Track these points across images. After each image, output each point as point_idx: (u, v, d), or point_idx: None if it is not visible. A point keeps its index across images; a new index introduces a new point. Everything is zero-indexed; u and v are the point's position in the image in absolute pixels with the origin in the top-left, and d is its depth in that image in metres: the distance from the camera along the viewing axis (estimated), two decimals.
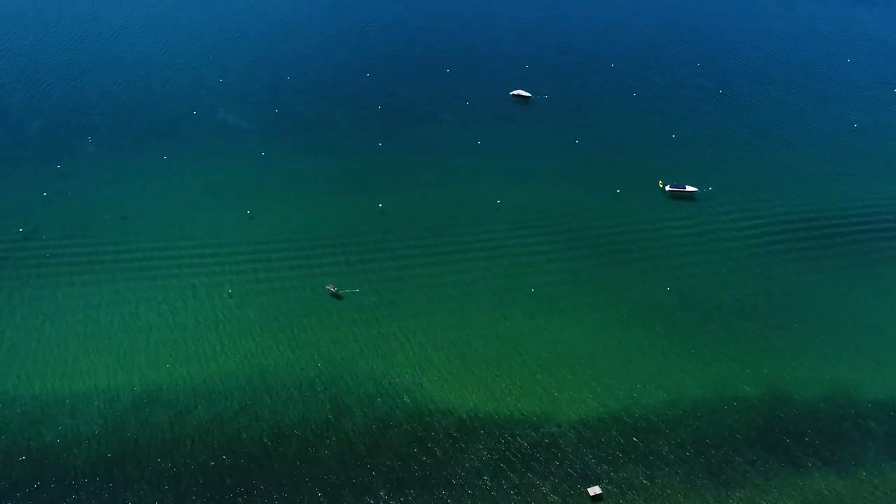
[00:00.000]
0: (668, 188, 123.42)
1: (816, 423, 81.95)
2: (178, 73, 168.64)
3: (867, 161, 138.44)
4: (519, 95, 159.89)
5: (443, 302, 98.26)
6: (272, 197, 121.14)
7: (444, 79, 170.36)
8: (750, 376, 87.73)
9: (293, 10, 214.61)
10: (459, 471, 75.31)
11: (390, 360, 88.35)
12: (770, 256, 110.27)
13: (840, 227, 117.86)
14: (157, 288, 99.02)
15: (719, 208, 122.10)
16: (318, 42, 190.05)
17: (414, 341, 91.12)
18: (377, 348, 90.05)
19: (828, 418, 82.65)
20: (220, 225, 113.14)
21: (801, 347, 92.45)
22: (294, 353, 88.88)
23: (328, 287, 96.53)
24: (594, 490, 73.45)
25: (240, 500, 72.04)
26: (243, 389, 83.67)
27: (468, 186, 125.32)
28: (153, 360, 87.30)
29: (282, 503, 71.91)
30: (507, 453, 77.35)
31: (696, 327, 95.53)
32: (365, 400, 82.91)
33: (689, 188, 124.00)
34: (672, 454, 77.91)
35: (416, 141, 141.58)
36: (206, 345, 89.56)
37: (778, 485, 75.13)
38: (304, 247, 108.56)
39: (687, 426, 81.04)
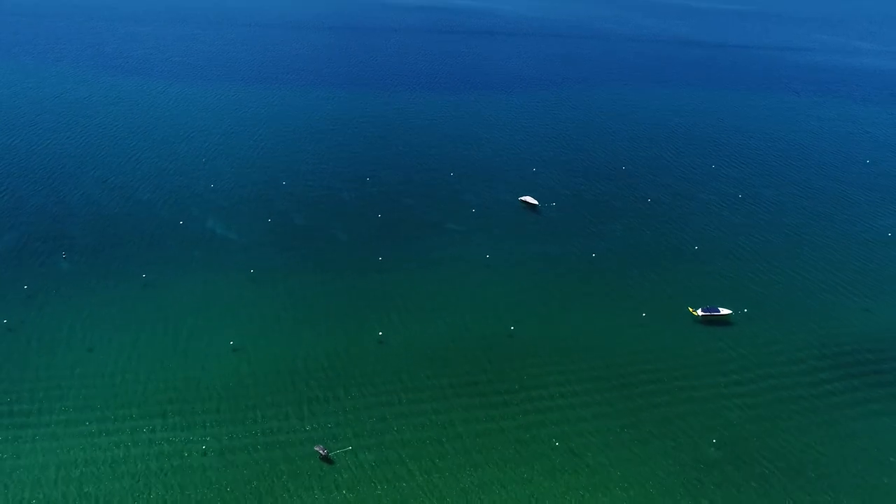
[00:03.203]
0: (699, 313, 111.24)
1: None
2: (167, 177, 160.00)
3: None
4: (527, 203, 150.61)
5: (452, 457, 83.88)
6: (259, 324, 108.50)
7: (448, 183, 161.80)
8: None
9: (292, 111, 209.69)
10: None
11: None
12: (824, 398, 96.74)
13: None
14: (117, 445, 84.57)
15: (759, 335, 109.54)
16: (315, 145, 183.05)
17: None
18: None
19: None
20: (199, 359, 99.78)
21: None
22: None
23: (316, 448, 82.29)
24: None
25: None
26: None
27: (477, 310, 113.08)
28: None
29: None
30: None
31: (752, 491, 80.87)
32: None
33: (722, 311, 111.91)
34: None
35: (419, 254, 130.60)
36: None
37: None
38: (291, 389, 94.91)
39: None
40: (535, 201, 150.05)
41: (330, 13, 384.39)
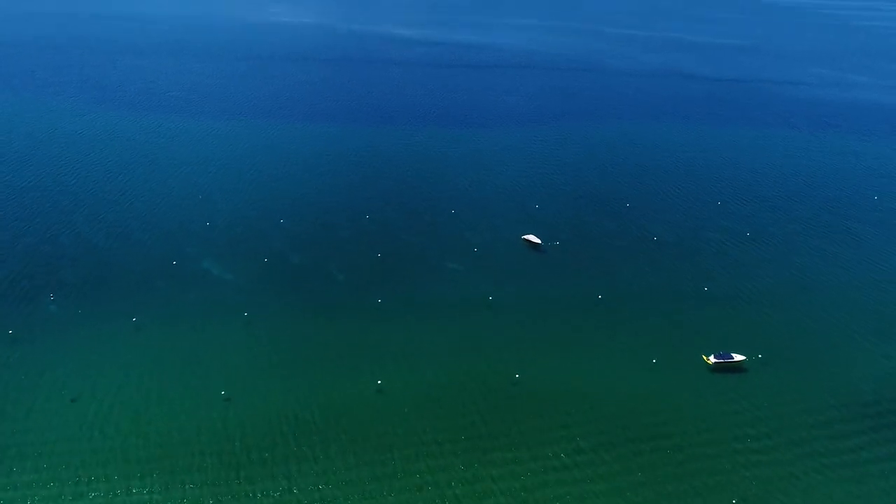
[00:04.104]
0: (712, 360, 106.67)
1: None
2: (163, 215, 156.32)
3: None
4: (529, 241, 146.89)
5: None
6: (252, 372, 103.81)
7: (449, 220, 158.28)
8: None
9: (290, 146, 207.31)
10: None
11: None
12: (847, 454, 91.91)
13: None
14: None
15: (774, 383, 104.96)
16: (314, 180, 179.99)
17: None
18: None
19: None
20: (186, 410, 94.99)
21: None
22: None
23: None
24: None
25: None
26: None
27: (480, 357, 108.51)
28: None
29: None
30: None
31: None
32: None
33: (736, 357, 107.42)
34: None
35: (419, 296, 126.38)
36: None
37: None
38: (282, 444, 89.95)
39: None
40: (537, 240, 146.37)
41: (329, 46, 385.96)
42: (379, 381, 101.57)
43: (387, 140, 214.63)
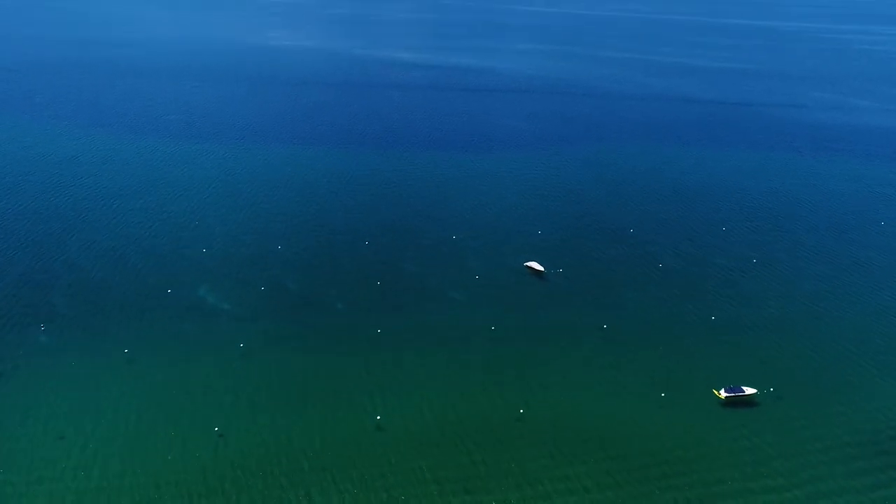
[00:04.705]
0: (723, 394, 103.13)
1: None
2: (158, 241, 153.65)
3: None
4: (532, 269, 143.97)
5: None
6: (247, 407, 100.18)
7: (450, 246, 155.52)
8: None
9: (289, 170, 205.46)
10: None
11: None
12: (866, 492, 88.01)
13: None
14: None
15: (788, 418, 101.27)
16: (312, 205, 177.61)
17: None
18: None
19: None
20: (178, 448, 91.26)
21: None
22: None
23: None
24: None
25: None
26: None
27: (484, 391, 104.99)
28: None
29: None
30: None
31: None
32: None
33: (747, 391, 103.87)
34: None
35: (420, 325, 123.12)
36: None
37: None
38: (276, 487, 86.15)
39: None
40: (541, 267, 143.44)
41: (329, 70, 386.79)
42: (378, 417, 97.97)
43: (386, 164, 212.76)
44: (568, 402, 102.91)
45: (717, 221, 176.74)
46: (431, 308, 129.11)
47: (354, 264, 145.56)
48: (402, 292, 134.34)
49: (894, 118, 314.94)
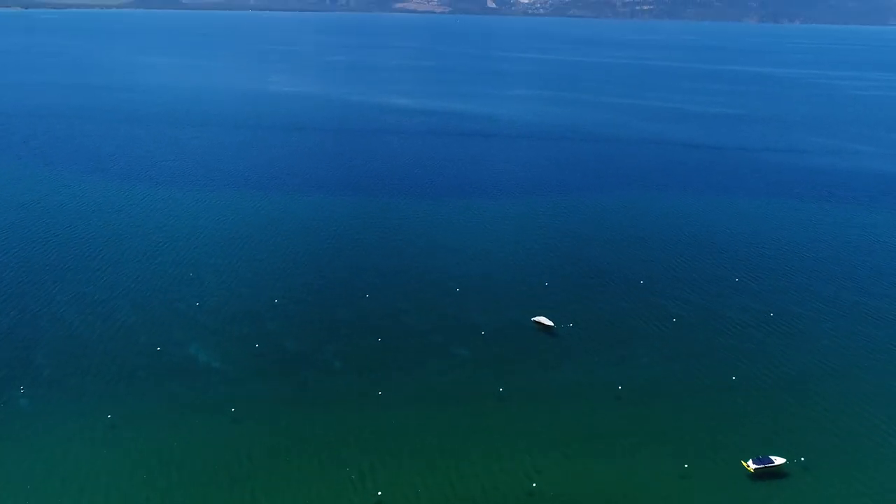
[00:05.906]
0: (751, 466, 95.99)
1: None
2: (149, 293, 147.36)
3: None
4: (541, 324, 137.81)
5: None
6: (238, 478, 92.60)
7: (454, 300, 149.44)
8: None
9: (286, 219, 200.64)
10: None
11: None
12: None
13: None
14: None
15: (821, 491, 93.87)
16: (310, 256, 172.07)
17: None
18: None
19: None
20: None
21: None
22: None
23: None
24: None
25: None
26: None
27: (492, 462, 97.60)
28: None
29: None
30: None
31: None
32: None
33: (776, 461, 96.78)
34: None
35: (422, 386, 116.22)
36: None
37: None
38: None
39: None
40: (549, 322, 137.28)
41: (327, 116, 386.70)
42: (379, 493, 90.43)
43: (385, 212, 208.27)
44: (583, 474, 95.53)
45: (726, 271, 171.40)
46: (435, 366, 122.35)
47: (354, 319, 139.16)
48: (404, 349, 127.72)
49: (894, 163, 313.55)
